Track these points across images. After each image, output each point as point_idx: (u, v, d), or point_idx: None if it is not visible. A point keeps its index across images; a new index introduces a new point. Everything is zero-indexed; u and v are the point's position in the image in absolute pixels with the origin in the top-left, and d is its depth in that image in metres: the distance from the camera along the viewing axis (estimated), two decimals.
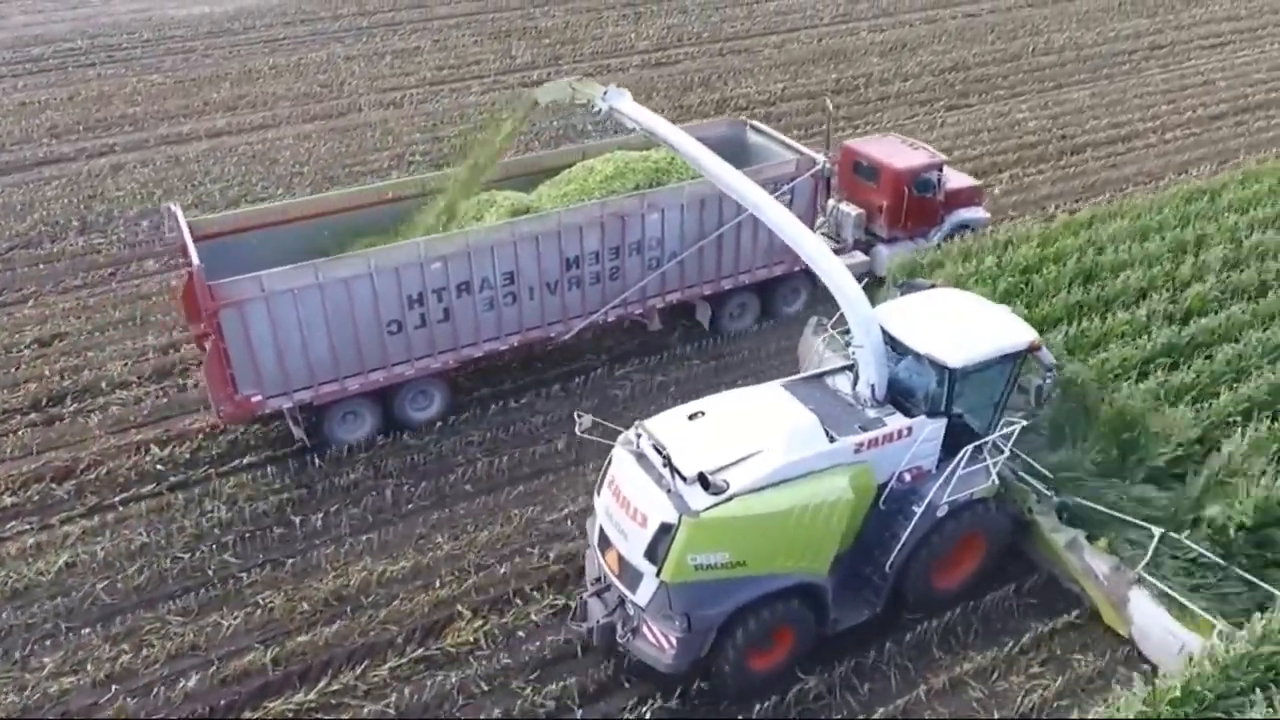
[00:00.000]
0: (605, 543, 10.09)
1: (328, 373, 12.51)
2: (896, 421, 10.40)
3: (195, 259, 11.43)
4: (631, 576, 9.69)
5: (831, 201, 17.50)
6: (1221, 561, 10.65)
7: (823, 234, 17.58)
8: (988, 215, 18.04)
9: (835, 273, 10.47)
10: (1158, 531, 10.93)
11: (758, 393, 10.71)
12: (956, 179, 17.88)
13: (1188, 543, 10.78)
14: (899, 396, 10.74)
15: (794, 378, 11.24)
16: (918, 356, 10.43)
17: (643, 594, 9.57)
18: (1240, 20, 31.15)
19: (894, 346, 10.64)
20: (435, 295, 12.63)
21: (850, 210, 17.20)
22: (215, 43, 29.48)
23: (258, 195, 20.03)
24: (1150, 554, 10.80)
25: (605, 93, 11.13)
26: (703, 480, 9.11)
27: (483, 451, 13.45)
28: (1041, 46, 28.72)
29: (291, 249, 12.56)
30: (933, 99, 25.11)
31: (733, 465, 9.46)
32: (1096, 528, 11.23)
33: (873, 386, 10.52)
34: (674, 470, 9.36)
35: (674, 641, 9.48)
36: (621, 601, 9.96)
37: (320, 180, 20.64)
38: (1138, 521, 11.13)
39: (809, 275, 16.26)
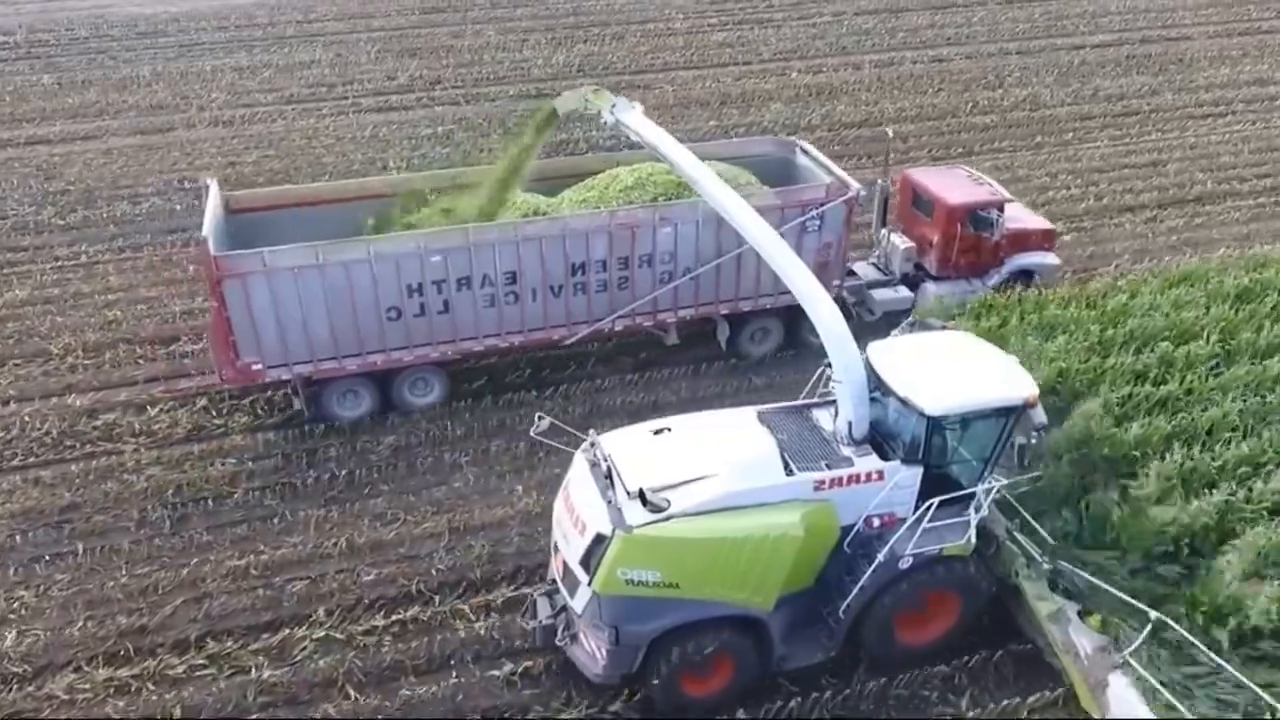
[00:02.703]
0: (556, 546, 10.74)
1: (327, 350, 13.60)
2: (868, 463, 10.59)
3: (205, 230, 12.72)
4: (571, 582, 10.28)
5: (884, 231, 17.71)
6: (1216, 658, 10.41)
7: (872, 264, 17.86)
8: (1058, 261, 17.82)
9: (821, 306, 10.79)
10: (1154, 615, 10.74)
11: (729, 416, 11.14)
12: (1026, 219, 17.74)
13: (1183, 632, 10.58)
14: (884, 438, 10.95)
15: (774, 405, 11.56)
16: (900, 400, 10.65)
17: (579, 601, 10.15)
18: (1268, 85, 27.74)
19: (880, 386, 10.89)
20: (435, 287, 13.55)
21: (901, 243, 17.33)
22: (135, 44, 30.19)
23: (3, 214, 20.51)
24: (1142, 639, 10.65)
25: (614, 105, 11.80)
26: (642, 497, 9.63)
27: None
28: (987, 103, 26.30)
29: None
30: None
31: (680, 485, 9.92)
32: (1092, 602, 11.15)
33: (849, 424, 10.76)
34: (618, 483, 9.89)
35: (605, 653, 10.02)
36: (565, 605, 10.59)
37: (74, 204, 20.97)
38: (1136, 603, 10.97)
39: (842, 307, 16.54)
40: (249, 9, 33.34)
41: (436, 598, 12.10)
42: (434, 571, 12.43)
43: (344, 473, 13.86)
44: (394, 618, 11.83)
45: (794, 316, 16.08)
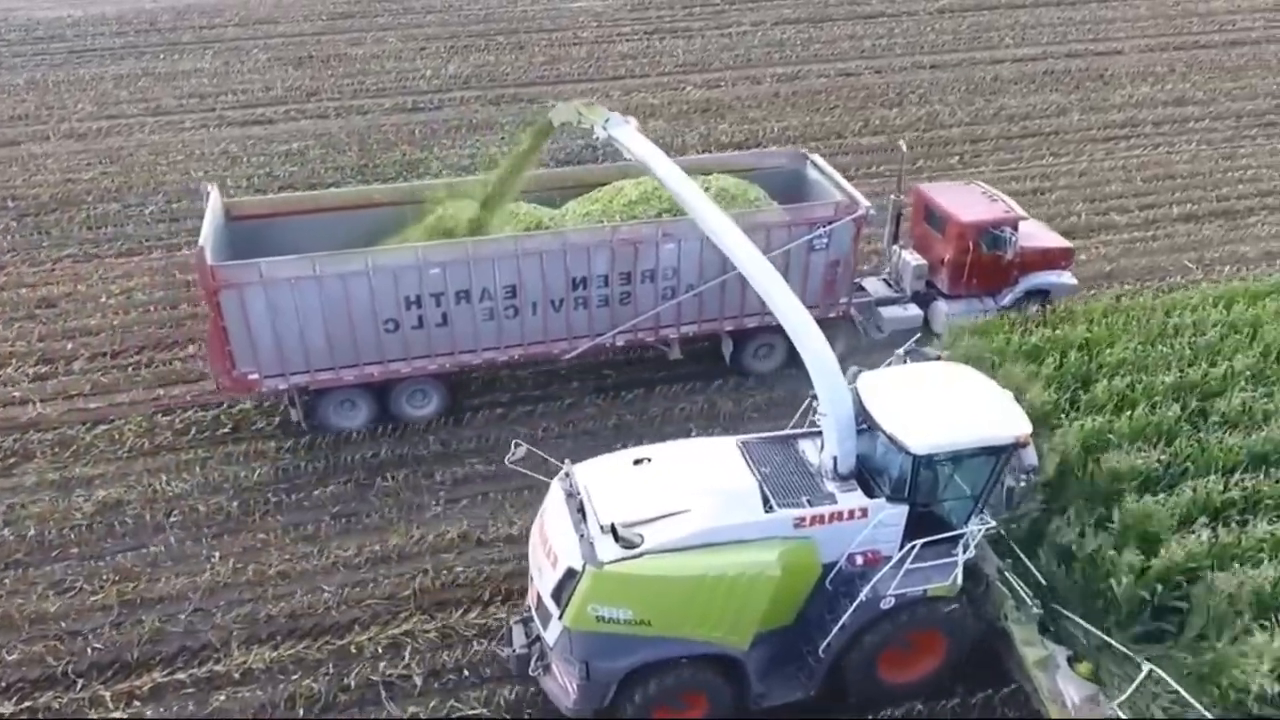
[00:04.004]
0: (532, 576, 10.55)
1: (324, 361, 13.51)
2: (851, 501, 10.24)
3: (203, 238, 12.68)
4: (544, 614, 10.09)
5: (895, 247, 17.24)
6: (1207, 714, 9.97)
7: (884, 280, 17.39)
8: (1074, 281, 17.24)
9: (808, 336, 10.40)
10: (1146, 667, 10.33)
11: (710, 446, 10.84)
12: (1043, 238, 17.21)
13: (1175, 685, 10.15)
14: (870, 473, 10.60)
15: (758, 436, 11.23)
16: (887, 436, 10.27)
17: (551, 633, 9.97)
18: (1185, 105, 25.72)
19: (867, 420, 10.52)
20: (433, 299, 13.40)
21: (912, 260, 16.86)
22: (25, 50, 29.11)
23: None
24: (1132, 690, 10.24)
25: (608, 119, 11.47)
26: (614, 532, 9.40)
27: None
28: (880, 123, 24.51)
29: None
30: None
31: (655, 520, 9.68)
32: (1082, 649, 10.74)
33: (835, 459, 10.41)
34: (590, 516, 9.67)
35: (576, 687, 9.83)
36: (539, 635, 10.40)
37: None
38: (1128, 651, 10.56)
39: (850, 324, 16.15)
40: (154, 13, 32.18)
41: (80, 681, 11.00)
42: (89, 651, 11.31)
43: (33, 533, 12.72)
44: (24, 705, 10.70)
45: None
